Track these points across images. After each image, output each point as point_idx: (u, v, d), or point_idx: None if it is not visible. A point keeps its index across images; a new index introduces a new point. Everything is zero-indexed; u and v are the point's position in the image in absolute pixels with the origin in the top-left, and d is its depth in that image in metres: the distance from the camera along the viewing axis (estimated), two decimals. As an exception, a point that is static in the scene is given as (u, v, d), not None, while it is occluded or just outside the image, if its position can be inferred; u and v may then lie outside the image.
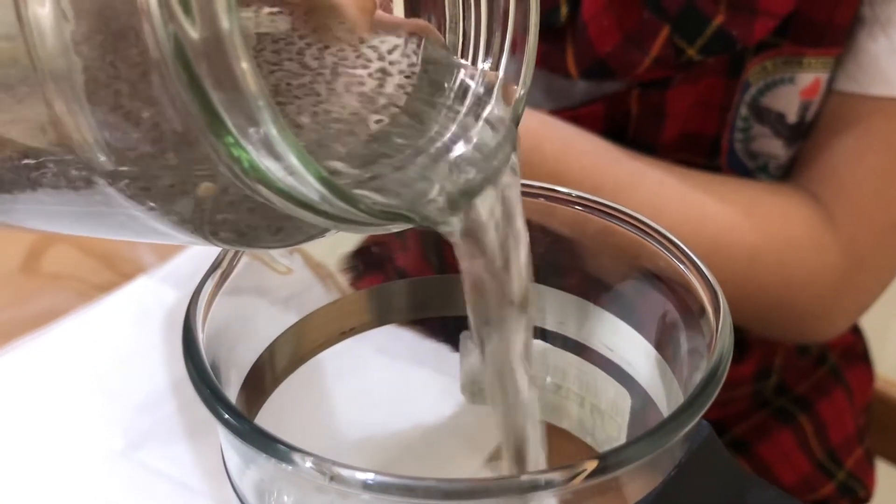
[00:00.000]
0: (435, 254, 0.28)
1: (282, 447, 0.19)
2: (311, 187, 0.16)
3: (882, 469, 0.66)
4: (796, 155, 0.53)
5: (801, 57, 0.48)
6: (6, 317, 0.52)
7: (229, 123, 0.15)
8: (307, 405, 0.27)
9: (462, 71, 0.23)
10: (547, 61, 0.51)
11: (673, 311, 0.23)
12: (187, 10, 0.15)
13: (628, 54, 0.48)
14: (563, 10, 0.50)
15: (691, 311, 0.23)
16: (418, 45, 0.23)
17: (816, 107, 0.51)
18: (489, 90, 0.23)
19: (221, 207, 0.18)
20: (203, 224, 0.18)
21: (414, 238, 0.28)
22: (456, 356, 0.30)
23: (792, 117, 0.51)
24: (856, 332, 0.64)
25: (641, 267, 0.24)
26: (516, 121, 0.22)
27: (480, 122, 0.22)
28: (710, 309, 0.22)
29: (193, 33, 0.15)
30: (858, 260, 0.49)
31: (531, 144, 0.44)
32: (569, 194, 0.25)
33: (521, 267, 0.22)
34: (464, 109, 0.22)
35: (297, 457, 0.18)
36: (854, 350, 0.63)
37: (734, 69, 0.50)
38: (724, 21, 0.46)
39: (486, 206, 0.21)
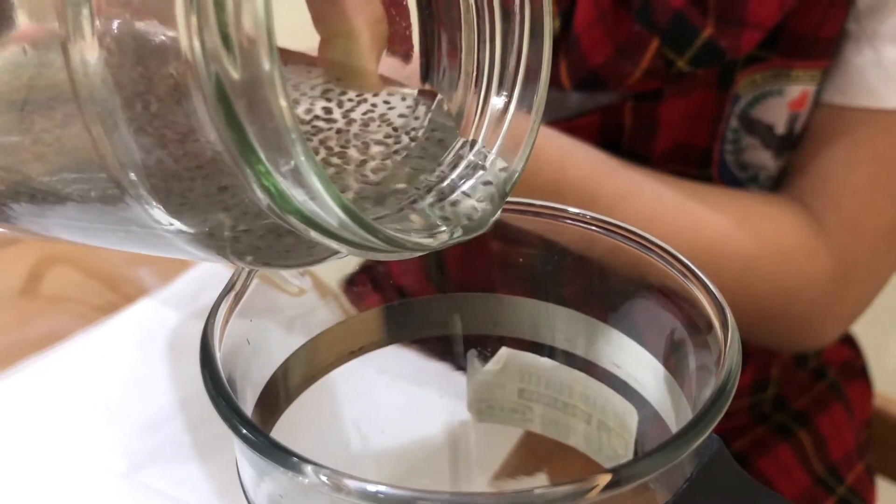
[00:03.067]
0: (436, 270, 0.29)
1: (298, 460, 0.19)
2: (333, 215, 0.17)
3: (883, 487, 0.66)
4: (786, 166, 0.54)
5: (790, 70, 0.49)
6: (8, 340, 0.52)
7: (262, 154, 0.16)
8: (318, 423, 0.28)
9: (462, 140, 0.24)
10: None
11: (681, 328, 0.24)
12: (230, 52, 0.15)
13: (620, 66, 0.49)
14: (556, 24, 0.50)
15: (699, 328, 0.23)
16: (428, 107, 0.24)
17: (804, 119, 0.52)
18: (483, 159, 0.24)
19: (246, 232, 0.19)
20: (225, 247, 0.19)
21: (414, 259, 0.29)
22: (459, 375, 0.30)
23: (780, 129, 0.52)
24: (854, 347, 0.65)
25: (649, 285, 0.24)
26: (503, 194, 0.23)
27: (472, 182, 0.24)
28: (717, 325, 0.22)
29: (235, 74, 0.16)
30: (850, 268, 0.50)
31: None
32: (577, 213, 0.26)
33: None
34: (461, 168, 0.24)
35: (311, 470, 0.19)
36: (853, 366, 0.64)
37: (724, 82, 0.50)
38: (712, 33, 0.47)
39: None
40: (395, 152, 0.23)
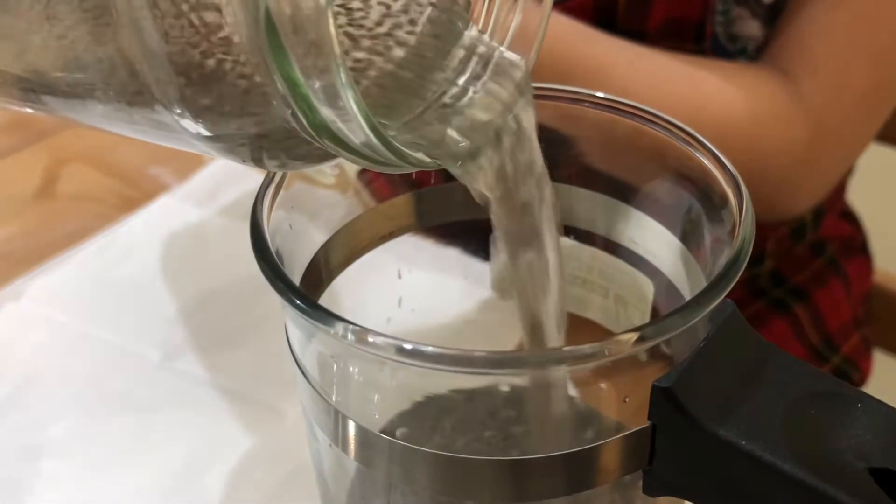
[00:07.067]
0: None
1: (344, 322, 0.21)
2: (361, 135, 0.18)
3: (882, 360, 0.67)
4: None
5: None
6: (28, 242, 0.52)
7: (300, 75, 0.17)
8: (354, 304, 0.29)
9: (473, 27, 0.24)
10: None
11: (697, 204, 0.25)
12: None
13: None
14: None
15: (714, 204, 0.24)
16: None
17: None
18: (496, 45, 0.24)
19: (263, 138, 0.20)
20: (241, 150, 0.20)
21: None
22: (482, 256, 0.32)
23: None
24: (854, 223, 0.65)
25: (667, 165, 0.26)
26: (527, 76, 0.23)
27: (489, 72, 0.23)
28: (732, 198, 0.24)
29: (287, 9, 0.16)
30: (825, 133, 0.50)
31: None
32: (597, 97, 0.27)
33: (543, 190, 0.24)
34: (473, 64, 0.24)
35: (364, 334, 0.21)
36: (853, 243, 0.65)
37: None
38: None
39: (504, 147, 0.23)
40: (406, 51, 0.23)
